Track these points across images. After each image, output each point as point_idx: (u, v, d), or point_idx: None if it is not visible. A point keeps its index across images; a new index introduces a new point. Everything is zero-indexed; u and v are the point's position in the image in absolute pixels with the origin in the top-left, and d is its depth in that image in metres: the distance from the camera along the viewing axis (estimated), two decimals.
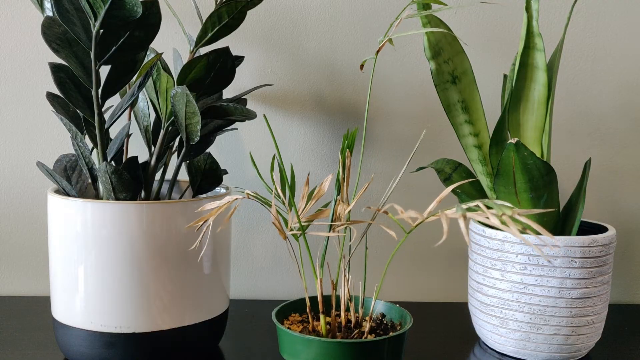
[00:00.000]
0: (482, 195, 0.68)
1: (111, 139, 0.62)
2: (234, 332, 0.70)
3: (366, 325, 0.58)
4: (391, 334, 0.55)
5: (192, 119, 0.58)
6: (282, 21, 0.79)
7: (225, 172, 0.69)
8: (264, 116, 0.56)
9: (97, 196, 0.62)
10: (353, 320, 0.59)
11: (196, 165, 0.67)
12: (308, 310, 0.59)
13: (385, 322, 0.62)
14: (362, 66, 0.59)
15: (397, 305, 0.62)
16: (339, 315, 0.60)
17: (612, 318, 0.74)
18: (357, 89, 0.80)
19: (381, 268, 0.83)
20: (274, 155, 0.57)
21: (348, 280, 0.58)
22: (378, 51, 0.58)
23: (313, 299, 0.60)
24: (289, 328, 0.57)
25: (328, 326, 0.58)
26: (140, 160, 0.62)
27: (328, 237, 0.58)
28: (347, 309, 0.61)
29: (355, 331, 0.58)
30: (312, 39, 0.79)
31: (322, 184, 0.58)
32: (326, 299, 0.63)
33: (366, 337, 0.57)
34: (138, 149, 0.76)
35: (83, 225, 0.57)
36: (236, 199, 0.54)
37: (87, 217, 0.57)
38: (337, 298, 0.60)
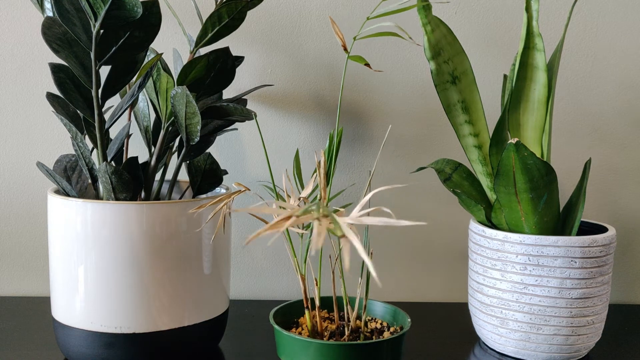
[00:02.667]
0: (482, 195, 0.69)
1: (111, 140, 0.62)
2: (234, 332, 0.70)
3: (365, 327, 0.58)
4: (390, 336, 0.55)
5: (192, 119, 0.58)
6: (282, 21, 0.79)
7: (225, 172, 0.69)
8: (254, 115, 0.56)
9: (97, 196, 0.62)
10: (353, 323, 0.59)
11: (196, 165, 0.67)
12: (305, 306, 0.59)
13: (384, 324, 0.62)
14: (368, 65, 0.59)
15: (396, 306, 0.62)
16: (332, 318, 0.60)
17: (612, 318, 0.74)
18: (357, 89, 0.80)
19: (382, 269, 0.83)
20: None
21: (336, 280, 0.58)
22: (344, 48, 0.58)
23: (313, 300, 0.60)
24: (284, 325, 0.57)
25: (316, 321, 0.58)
26: (140, 161, 0.62)
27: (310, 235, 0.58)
28: (341, 310, 0.61)
29: (345, 335, 0.57)
30: (312, 39, 0.79)
31: (309, 184, 0.58)
32: (326, 299, 0.63)
33: (363, 339, 0.57)
34: (138, 149, 0.76)
35: (83, 226, 0.57)
36: (239, 191, 0.55)
37: (87, 217, 0.57)
38: (339, 300, 0.60)
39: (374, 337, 0.58)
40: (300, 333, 0.59)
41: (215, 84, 0.62)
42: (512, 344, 0.63)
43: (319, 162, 0.57)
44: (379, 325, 0.61)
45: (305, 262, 0.58)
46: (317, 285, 0.58)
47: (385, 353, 0.54)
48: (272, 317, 0.58)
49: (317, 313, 0.58)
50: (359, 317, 0.60)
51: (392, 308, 0.62)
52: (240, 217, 0.82)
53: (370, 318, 0.63)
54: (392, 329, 0.60)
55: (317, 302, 0.58)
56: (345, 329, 0.58)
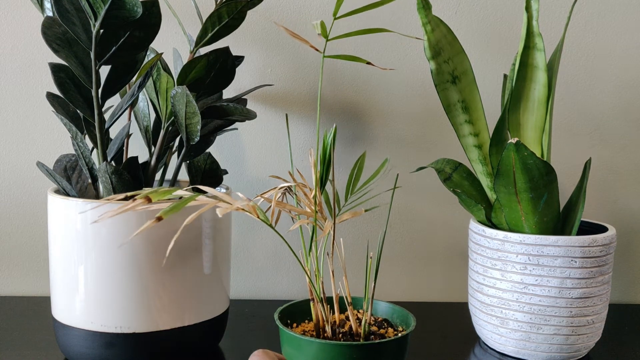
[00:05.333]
0: (482, 195, 0.69)
1: (111, 139, 0.62)
2: (234, 332, 0.70)
3: (368, 327, 0.58)
4: (394, 336, 0.55)
5: (192, 119, 0.58)
6: (282, 21, 0.79)
7: (225, 172, 0.69)
8: (286, 116, 0.56)
9: (97, 196, 0.62)
10: (354, 324, 0.59)
11: (196, 165, 0.67)
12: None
13: (387, 323, 0.62)
14: (368, 63, 0.59)
15: (400, 306, 0.62)
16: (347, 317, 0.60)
17: (612, 318, 0.74)
18: (357, 89, 0.80)
19: (382, 269, 0.83)
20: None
21: (334, 279, 0.58)
22: (315, 49, 0.58)
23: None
24: (289, 324, 0.57)
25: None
26: (141, 160, 0.62)
27: (311, 231, 0.58)
28: (344, 309, 0.61)
29: (337, 335, 0.57)
30: (312, 39, 0.79)
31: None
32: (327, 300, 0.63)
33: (365, 339, 0.57)
34: (138, 149, 0.76)
35: (83, 226, 0.57)
36: (286, 186, 0.55)
37: (87, 217, 0.57)
38: (343, 299, 0.60)
39: (376, 338, 0.58)
40: (304, 333, 0.59)
41: (215, 83, 0.62)
42: (512, 343, 0.63)
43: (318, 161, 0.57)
44: (382, 326, 0.61)
45: (309, 255, 0.58)
46: (317, 279, 0.58)
47: (389, 353, 0.54)
48: (277, 315, 0.58)
49: (319, 307, 0.58)
50: (360, 318, 0.60)
51: (397, 308, 0.62)
52: (241, 217, 0.82)
53: (374, 317, 0.63)
54: (396, 330, 0.60)
55: (316, 297, 0.58)
56: (327, 326, 0.57)
